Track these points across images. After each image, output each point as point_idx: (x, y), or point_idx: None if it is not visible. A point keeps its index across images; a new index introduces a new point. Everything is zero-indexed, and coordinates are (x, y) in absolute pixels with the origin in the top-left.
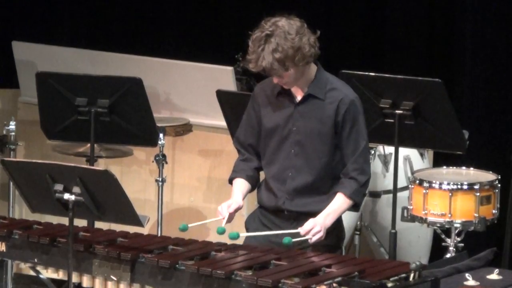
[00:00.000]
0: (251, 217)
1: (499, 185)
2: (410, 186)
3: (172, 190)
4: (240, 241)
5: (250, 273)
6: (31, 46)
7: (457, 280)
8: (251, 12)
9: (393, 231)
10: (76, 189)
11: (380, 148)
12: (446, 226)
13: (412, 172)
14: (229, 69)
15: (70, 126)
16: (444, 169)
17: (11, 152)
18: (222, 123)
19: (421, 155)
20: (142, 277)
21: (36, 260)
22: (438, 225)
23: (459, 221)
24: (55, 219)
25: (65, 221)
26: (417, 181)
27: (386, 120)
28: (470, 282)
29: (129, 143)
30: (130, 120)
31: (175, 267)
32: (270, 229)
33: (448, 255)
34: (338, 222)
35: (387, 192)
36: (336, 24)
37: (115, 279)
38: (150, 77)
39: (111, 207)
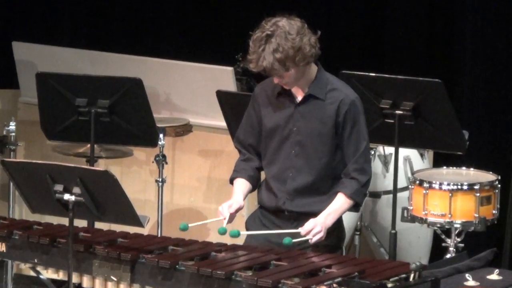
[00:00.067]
0: (251, 217)
1: (499, 185)
2: (410, 186)
3: (172, 191)
4: (240, 241)
5: (250, 274)
6: (31, 47)
7: (457, 281)
8: (251, 12)
9: (393, 231)
10: (76, 190)
11: (380, 148)
12: (446, 227)
13: (412, 173)
14: (229, 69)
15: (70, 126)
16: (444, 170)
17: (11, 153)
18: (222, 123)
19: (421, 155)
20: (142, 277)
21: (36, 261)
22: (438, 225)
23: (459, 221)
24: (55, 220)
25: (65, 221)
26: (417, 182)
27: (386, 120)
28: (470, 282)
29: (129, 144)
30: (130, 120)
31: (175, 268)
32: (270, 229)
33: (448, 256)
34: (339, 222)
35: (387, 192)
36: (336, 24)
37: (115, 279)
38: (150, 78)
39: (111, 207)
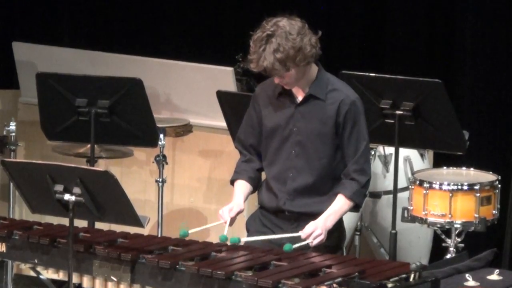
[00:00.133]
0: (251, 217)
1: (499, 185)
2: (410, 186)
3: (172, 191)
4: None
5: (250, 274)
6: (31, 47)
7: (457, 281)
8: (251, 12)
9: (393, 231)
10: (76, 190)
11: (380, 148)
12: (446, 227)
13: (412, 173)
14: (229, 69)
15: (70, 126)
16: (444, 170)
17: (11, 153)
18: (222, 123)
19: (421, 155)
20: (143, 277)
21: (36, 261)
22: (438, 225)
23: (459, 221)
24: (55, 220)
25: (65, 221)
26: (417, 182)
27: (386, 120)
28: (470, 282)
29: (129, 144)
30: (130, 120)
31: (175, 268)
32: (270, 230)
33: (448, 256)
34: (339, 223)
35: (387, 192)
36: (336, 24)
37: (115, 279)
38: (150, 78)
39: (111, 207)
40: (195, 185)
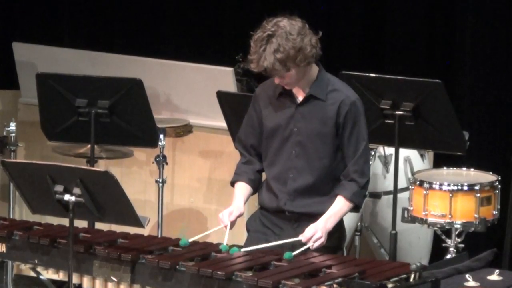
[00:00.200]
0: (252, 218)
1: (500, 186)
2: (410, 187)
3: (172, 191)
4: (240, 241)
5: (250, 274)
6: (32, 47)
7: (457, 281)
8: (252, 12)
9: (393, 232)
10: (77, 190)
11: (381, 149)
12: (447, 227)
13: (413, 173)
14: (229, 70)
15: (70, 127)
16: (444, 170)
17: (12, 153)
18: (223, 124)
19: (422, 156)
20: (143, 278)
21: (36, 261)
22: (439, 226)
23: (459, 222)
24: (55, 220)
25: (65, 222)
26: (418, 182)
27: (386, 121)
28: (471, 283)
29: (129, 144)
30: (131, 121)
31: (176, 268)
32: (271, 230)
33: (448, 256)
34: (340, 224)
35: (387, 193)
36: (336, 24)
37: (115, 280)
38: (150, 78)
39: (112, 208)
40: (195, 185)
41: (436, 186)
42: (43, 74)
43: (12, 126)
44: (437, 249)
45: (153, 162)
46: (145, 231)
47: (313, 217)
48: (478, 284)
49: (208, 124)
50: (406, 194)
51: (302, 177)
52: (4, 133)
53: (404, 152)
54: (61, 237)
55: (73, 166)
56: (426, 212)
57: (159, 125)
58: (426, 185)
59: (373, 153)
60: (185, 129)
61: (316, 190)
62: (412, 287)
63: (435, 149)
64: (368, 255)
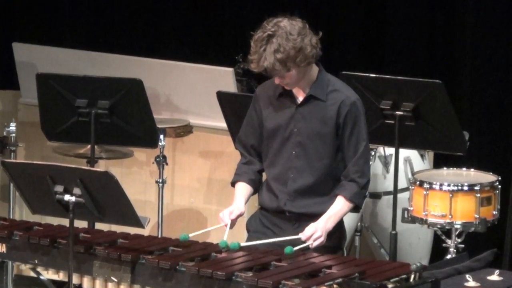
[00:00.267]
0: (252, 218)
1: (500, 186)
2: (410, 187)
3: (172, 192)
4: (241, 241)
5: (250, 274)
6: (32, 48)
7: (457, 281)
8: (252, 13)
9: (393, 232)
10: (77, 191)
11: (381, 149)
12: (447, 227)
13: (413, 173)
14: (230, 70)
15: (70, 127)
16: (444, 170)
17: (12, 154)
18: (223, 124)
19: (422, 156)
20: (143, 278)
21: (36, 261)
22: (439, 226)
23: (459, 222)
24: (55, 221)
25: (65, 222)
26: (418, 182)
27: (387, 121)
28: (471, 283)
29: (129, 145)
30: (131, 121)
31: (176, 268)
32: (271, 230)
33: (448, 256)
34: (340, 224)
35: (387, 193)
36: (337, 25)
37: (115, 280)
38: (150, 78)
39: (112, 208)
40: (195, 185)
41: (436, 187)
42: (43, 75)
43: (12, 127)
44: (437, 249)
45: (153, 163)
46: (145, 232)
47: (313, 217)
48: (478, 284)
49: (208, 124)
50: (406, 195)
51: (302, 178)
52: (4, 134)
53: (404, 153)
54: (61, 238)
55: (73, 166)
56: (426, 212)
57: (159, 126)
58: (426, 185)
59: (373, 153)
60: (185, 130)
61: (316, 190)
62: None
63: (435, 149)
64: (368, 256)
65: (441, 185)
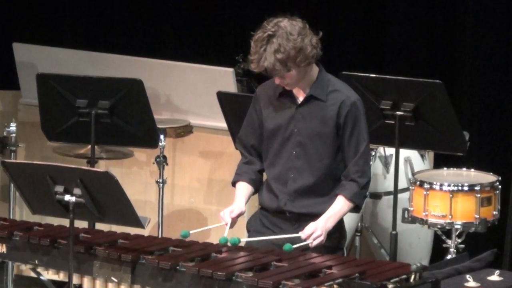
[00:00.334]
0: (252, 218)
1: (500, 186)
2: (410, 187)
3: (172, 192)
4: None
5: (250, 275)
6: (32, 48)
7: (457, 282)
8: (252, 13)
9: (393, 232)
10: (77, 191)
11: (381, 149)
12: (447, 228)
13: (413, 174)
14: (230, 70)
15: (70, 127)
16: (444, 171)
17: (12, 154)
18: (223, 124)
19: (422, 156)
20: (143, 278)
21: (36, 262)
22: (439, 226)
23: (459, 222)
24: (55, 221)
25: (65, 222)
26: (418, 183)
27: (387, 121)
28: (471, 283)
29: (129, 145)
30: (131, 121)
31: (176, 269)
32: (271, 230)
33: (448, 257)
34: (340, 224)
35: (387, 193)
36: (337, 25)
37: (115, 280)
38: (150, 79)
39: (112, 208)
40: (195, 186)
41: (437, 187)
42: (44, 75)
43: (13, 127)
44: (438, 249)
45: (153, 163)
46: (146, 232)
47: (313, 217)
48: (478, 284)
49: (208, 124)
50: (406, 195)
51: (303, 178)
52: (5, 134)
53: (404, 153)
54: (62, 238)
55: (73, 166)
56: (427, 213)
57: (159, 126)
58: (426, 186)
59: (373, 153)
60: (186, 130)
61: (317, 190)
62: None
63: (435, 149)
64: (369, 256)
65: (441, 185)
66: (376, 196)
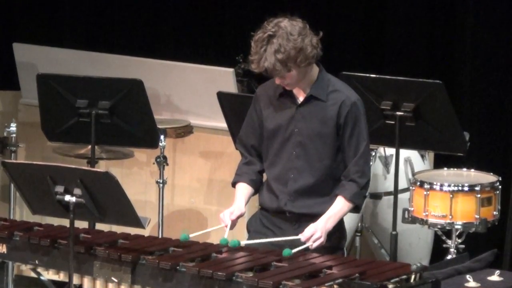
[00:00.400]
0: (252, 218)
1: (500, 186)
2: (411, 187)
3: (173, 192)
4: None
5: (251, 275)
6: (32, 48)
7: (458, 282)
8: (252, 13)
9: (394, 232)
10: (77, 191)
11: (381, 149)
12: (447, 228)
13: (413, 174)
14: (230, 70)
15: (71, 128)
16: (445, 171)
17: (12, 154)
18: (223, 125)
19: (422, 156)
20: (143, 278)
21: (37, 262)
22: (439, 226)
23: (460, 222)
24: (55, 221)
25: (66, 222)
26: (418, 183)
27: (387, 121)
28: (471, 283)
29: (130, 145)
30: (131, 121)
31: (176, 269)
32: (271, 230)
33: (449, 257)
34: (340, 224)
35: (388, 193)
36: (337, 25)
37: (116, 280)
38: (151, 79)
39: (112, 208)
40: (195, 186)
41: (437, 187)
42: (44, 75)
43: (13, 127)
44: (438, 249)
45: (153, 163)
46: (146, 232)
47: (314, 217)
48: (478, 284)
49: (208, 124)
50: (406, 195)
51: (303, 178)
52: (5, 134)
53: (404, 153)
54: (62, 238)
55: (73, 166)
56: (427, 213)
57: (159, 126)
58: (426, 186)
59: (373, 153)
60: (186, 130)
61: (317, 190)
62: None
63: (435, 149)
64: (369, 256)
65: (441, 185)
66: (376, 196)
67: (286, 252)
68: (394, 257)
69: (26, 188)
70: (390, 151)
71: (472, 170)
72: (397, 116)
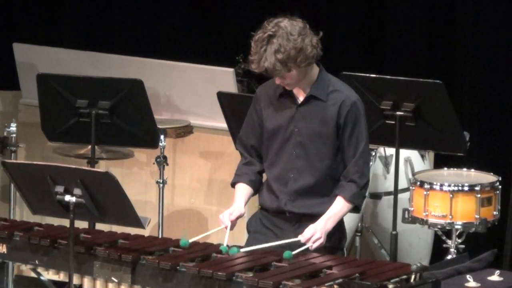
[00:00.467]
0: (252, 218)
1: (500, 186)
2: (411, 187)
3: (173, 192)
4: (241, 242)
5: (251, 275)
6: (32, 48)
7: (458, 282)
8: (252, 13)
9: (394, 232)
10: (77, 191)
11: (381, 149)
12: (447, 228)
13: (413, 174)
14: (230, 70)
15: (71, 128)
16: (445, 171)
17: (12, 154)
18: (223, 125)
19: (422, 156)
20: (143, 278)
21: (37, 262)
22: (439, 226)
23: (460, 222)
24: (56, 221)
25: (66, 222)
26: (418, 183)
27: (387, 121)
28: (471, 283)
29: (130, 145)
30: (131, 122)
31: (176, 269)
32: (271, 231)
33: (449, 257)
34: (340, 224)
35: (388, 193)
36: (337, 25)
37: (116, 281)
38: (151, 79)
39: (112, 208)
40: (195, 186)
41: (437, 187)
42: (44, 75)
43: (13, 127)
44: (438, 249)
45: (153, 163)
46: (146, 232)
47: (314, 218)
48: (478, 284)
49: (208, 125)
50: (406, 195)
51: (303, 178)
52: (5, 134)
53: (404, 153)
54: (62, 238)
55: (73, 166)
56: (427, 213)
57: (159, 126)
58: (426, 186)
59: (373, 153)
60: (186, 130)
61: (317, 190)
62: None
63: (435, 149)
64: (369, 256)
65: (441, 185)
66: (376, 196)
67: (287, 254)
68: (394, 257)
69: (26, 188)
70: (390, 151)
71: (472, 170)
72: (397, 116)
